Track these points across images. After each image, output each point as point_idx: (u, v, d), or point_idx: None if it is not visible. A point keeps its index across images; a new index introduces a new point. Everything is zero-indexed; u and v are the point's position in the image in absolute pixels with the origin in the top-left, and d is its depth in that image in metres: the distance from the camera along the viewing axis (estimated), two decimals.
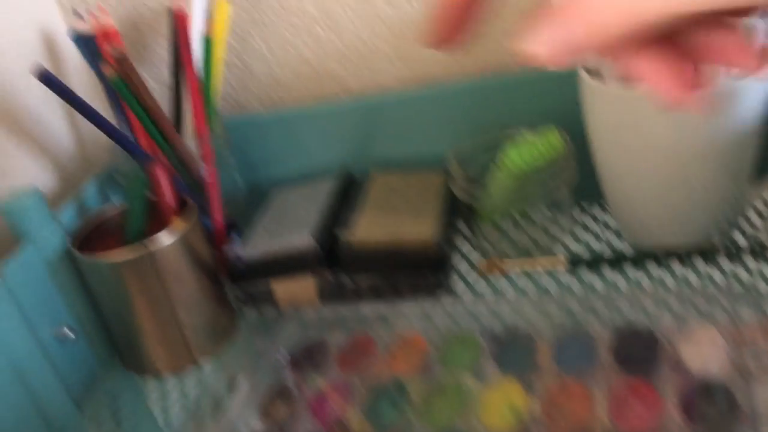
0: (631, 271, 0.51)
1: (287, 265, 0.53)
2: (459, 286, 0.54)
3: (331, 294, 0.54)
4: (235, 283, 0.55)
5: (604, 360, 0.40)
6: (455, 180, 0.53)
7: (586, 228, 0.57)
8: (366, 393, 0.42)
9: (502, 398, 0.39)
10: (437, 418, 0.40)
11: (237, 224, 0.60)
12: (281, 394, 0.45)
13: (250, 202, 0.63)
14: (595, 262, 0.52)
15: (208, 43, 0.53)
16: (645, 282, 0.50)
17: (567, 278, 0.52)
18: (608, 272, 0.52)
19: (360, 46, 0.61)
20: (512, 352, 0.43)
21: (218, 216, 0.59)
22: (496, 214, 0.55)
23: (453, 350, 0.44)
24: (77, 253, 0.49)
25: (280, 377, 0.46)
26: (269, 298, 0.55)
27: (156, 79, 0.65)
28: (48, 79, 0.49)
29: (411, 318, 0.49)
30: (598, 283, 0.51)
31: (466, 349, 0.44)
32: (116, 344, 0.54)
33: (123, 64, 0.48)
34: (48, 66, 0.59)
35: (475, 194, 0.52)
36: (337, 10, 0.59)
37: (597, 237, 0.56)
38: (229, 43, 0.62)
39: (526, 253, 0.55)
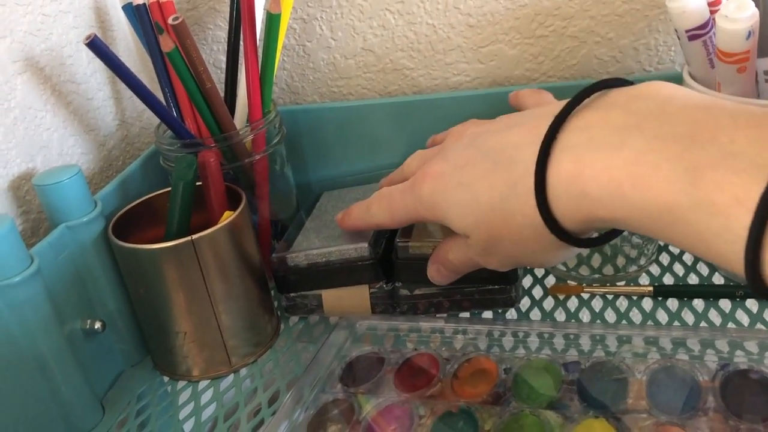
0: (726, 306, 0.46)
1: (339, 272, 0.48)
2: (528, 307, 0.49)
3: (385, 305, 0.49)
4: (280, 288, 0.50)
5: (709, 404, 0.35)
6: None
7: (673, 256, 0.51)
8: (429, 420, 0.37)
9: None
10: None
11: (284, 222, 0.56)
12: (330, 412, 0.40)
13: (298, 200, 0.58)
14: (685, 293, 0.47)
15: (271, 20, 0.48)
16: (744, 319, 0.44)
17: (652, 308, 0.47)
18: (699, 305, 0.46)
19: (432, 37, 0.56)
20: (599, 385, 0.37)
21: (265, 212, 0.54)
22: None
23: (529, 378, 0.39)
24: (114, 239, 0.45)
25: (329, 393, 0.41)
26: (316, 307, 0.50)
27: (209, 62, 0.61)
28: (97, 47, 0.45)
29: (476, 337, 0.44)
30: (688, 316, 0.45)
31: (544, 378, 0.39)
32: (147, 342, 0.49)
33: (180, 34, 0.44)
34: None
35: None
36: None
37: (686, 266, 0.50)
38: (289, 24, 0.58)
39: (604, 280, 0.49)
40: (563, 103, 0.32)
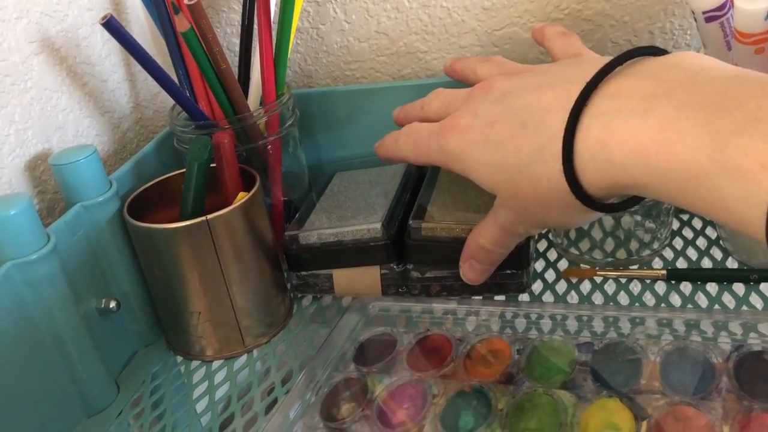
0: (740, 291, 0.46)
1: (351, 252, 0.48)
2: (540, 290, 0.49)
3: (396, 287, 0.49)
4: (291, 266, 0.51)
5: (723, 385, 0.35)
6: None
7: (686, 240, 0.51)
8: (443, 399, 0.37)
9: (603, 419, 0.34)
10: None
11: (296, 204, 0.56)
12: (343, 392, 0.40)
13: (310, 183, 0.59)
14: (698, 277, 0.47)
15: (286, 2, 0.48)
16: (758, 303, 0.44)
17: (665, 291, 0.47)
18: (712, 289, 0.46)
19: (446, 20, 0.56)
20: (613, 366, 0.37)
21: (278, 193, 0.55)
22: None
23: (543, 358, 0.39)
24: (129, 218, 0.45)
25: (342, 373, 0.41)
26: (327, 287, 0.50)
27: (223, 45, 0.61)
28: (113, 27, 0.45)
29: (488, 319, 0.44)
30: (701, 300, 0.45)
31: (557, 359, 0.39)
32: (161, 322, 0.49)
33: (196, 14, 0.44)
34: None
35: None
36: None
37: (699, 251, 0.50)
38: (303, 7, 0.58)
39: (617, 263, 0.49)
40: (595, 66, 0.32)
